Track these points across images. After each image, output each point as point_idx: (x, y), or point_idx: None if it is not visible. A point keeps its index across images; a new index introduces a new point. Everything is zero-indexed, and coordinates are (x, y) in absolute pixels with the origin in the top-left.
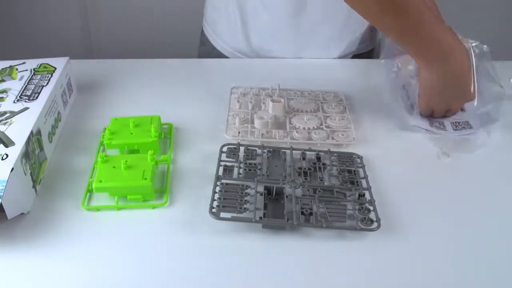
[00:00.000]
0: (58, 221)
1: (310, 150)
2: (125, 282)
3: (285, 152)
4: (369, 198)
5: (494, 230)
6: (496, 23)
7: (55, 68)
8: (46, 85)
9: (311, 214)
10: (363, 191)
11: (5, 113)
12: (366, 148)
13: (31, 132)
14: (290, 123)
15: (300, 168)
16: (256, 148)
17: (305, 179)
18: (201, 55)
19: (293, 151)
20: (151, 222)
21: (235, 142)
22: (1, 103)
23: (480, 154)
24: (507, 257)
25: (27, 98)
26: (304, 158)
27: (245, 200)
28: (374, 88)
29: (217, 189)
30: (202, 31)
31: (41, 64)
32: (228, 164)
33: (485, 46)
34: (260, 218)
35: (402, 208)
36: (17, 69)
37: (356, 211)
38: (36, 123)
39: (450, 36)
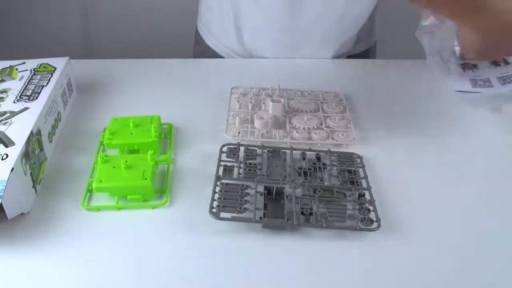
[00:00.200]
0: (58, 221)
1: (310, 150)
2: (125, 282)
3: (285, 152)
4: (369, 198)
5: (495, 230)
6: None
7: (55, 68)
8: (46, 85)
9: (311, 214)
10: (363, 191)
11: (5, 113)
12: (366, 148)
13: (31, 132)
14: (290, 123)
15: (300, 168)
16: (256, 148)
17: (305, 179)
18: (195, 54)
19: (293, 151)
20: (151, 222)
21: (235, 142)
22: (1, 103)
23: (480, 154)
24: (507, 257)
25: (27, 98)
26: (304, 158)
27: (245, 200)
28: (374, 88)
29: (217, 189)
30: (197, 29)
31: (41, 64)
32: (228, 164)
33: None
34: (260, 218)
35: (402, 208)
36: (17, 69)
37: (356, 211)
38: (36, 123)
39: None
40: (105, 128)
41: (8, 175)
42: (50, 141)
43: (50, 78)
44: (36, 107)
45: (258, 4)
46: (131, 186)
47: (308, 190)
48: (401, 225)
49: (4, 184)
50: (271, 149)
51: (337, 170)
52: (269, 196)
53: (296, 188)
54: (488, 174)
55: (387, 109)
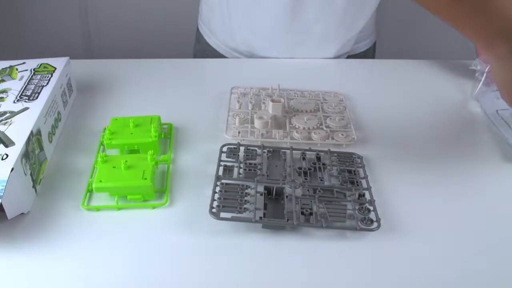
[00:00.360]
0: (58, 221)
1: (310, 150)
2: (125, 282)
3: (285, 152)
4: (369, 198)
5: (495, 230)
6: None
7: (55, 68)
8: (46, 85)
9: (311, 214)
10: (363, 191)
11: (5, 113)
12: (366, 148)
13: (31, 132)
14: (290, 123)
15: (300, 168)
16: (256, 148)
17: (305, 179)
18: (196, 53)
19: (293, 151)
20: (151, 222)
21: (235, 142)
22: (1, 103)
23: (481, 153)
24: (507, 257)
25: (27, 98)
26: (304, 158)
27: (245, 200)
28: (373, 88)
29: (217, 189)
30: (198, 28)
31: (41, 64)
32: (228, 164)
33: None
34: (260, 218)
35: (402, 208)
36: (17, 69)
37: (356, 211)
38: (36, 123)
39: None
40: (105, 128)
41: (8, 175)
42: (50, 141)
43: (50, 78)
44: (36, 107)
45: (258, 3)
46: (131, 186)
47: (308, 190)
48: (401, 225)
49: (4, 184)
50: (271, 149)
51: (337, 170)
52: (269, 196)
53: (296, 188)
54: (489, 173)
55: (387, 109)
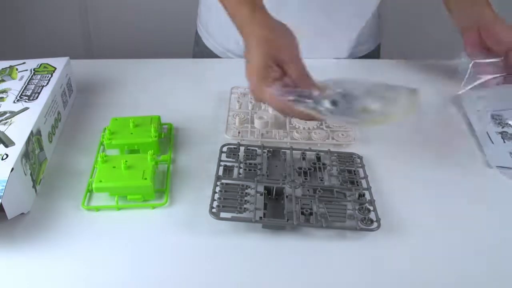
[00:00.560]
0: (58, 221)
1: (310, 150)
2: (125, 282)
3: (285, 152)
4: (369, 198)
5: (495, 230)
6: None
7: (55, 68)
8: (46, 85)
9: (311, 214)
10: (363, 191)
11: (5, 113)
12: (366, 148)
13: (31, 132)
14: (290, 123)
15: (300, 168)
16: (256, 148)
17: (305, 179)
18: (195, 55)
19: (293, 151)
20: (151, 222)
21: (235, 142)
22: (1, 103)
23: (481, 153)
24: (507, 257)
25: (27, 98)
26: (304, 158)
27: (245, 200)
28: None
29: (217, 189)
30: (196, 31)
31: (41, 64)
32: (228, 164)
33: None
34: (260, 218)
35: (402, 208)
36: (17, 69)
37: (356, 211)
38: (36, 123)
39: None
40: (105, 128)
41: (8, 175)
42: (50, 141)
43: (50, 78)
44: (36, 107)
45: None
46: (131, 186)
47: (308, 190)
48: (401, 225)
49: (4, 184)
50: (271, 149)
51: (337, 170)
52: (269, 196)
53: (296, 188)
54: (488, 173)
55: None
